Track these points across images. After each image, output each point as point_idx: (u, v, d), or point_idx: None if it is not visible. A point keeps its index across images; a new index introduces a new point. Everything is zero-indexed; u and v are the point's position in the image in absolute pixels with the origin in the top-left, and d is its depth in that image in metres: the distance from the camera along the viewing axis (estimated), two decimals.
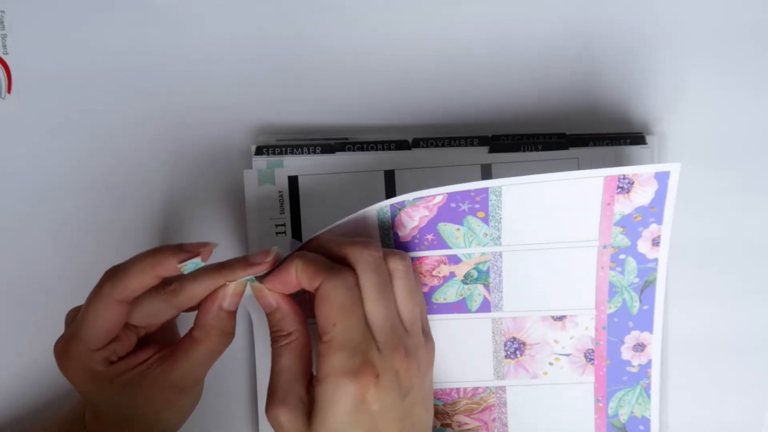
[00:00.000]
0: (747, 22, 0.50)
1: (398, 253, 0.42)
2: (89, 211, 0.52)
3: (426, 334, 0.43)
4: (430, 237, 0.45)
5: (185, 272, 0.41)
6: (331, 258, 0.41)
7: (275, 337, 0.42)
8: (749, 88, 0.50)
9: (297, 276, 0.41)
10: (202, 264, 0.41)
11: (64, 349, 0.42)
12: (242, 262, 0.41)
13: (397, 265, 0.42)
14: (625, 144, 0.49)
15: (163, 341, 0.44)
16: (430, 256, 0.46)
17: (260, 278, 0.42)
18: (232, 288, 0.42)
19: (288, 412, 0.39)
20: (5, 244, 0.52)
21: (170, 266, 0.40)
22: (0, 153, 0.52)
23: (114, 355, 0.42)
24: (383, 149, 0.50)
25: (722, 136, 0.50)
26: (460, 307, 0.47)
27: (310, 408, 0.40)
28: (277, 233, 0.50)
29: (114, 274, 0.41)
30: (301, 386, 0.40)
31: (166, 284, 0.41)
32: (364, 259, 0.41)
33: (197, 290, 0.41)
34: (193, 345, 0.42)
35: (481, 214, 0.45)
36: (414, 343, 0.41)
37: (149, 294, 0.42)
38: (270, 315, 0.42)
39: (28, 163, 0.52)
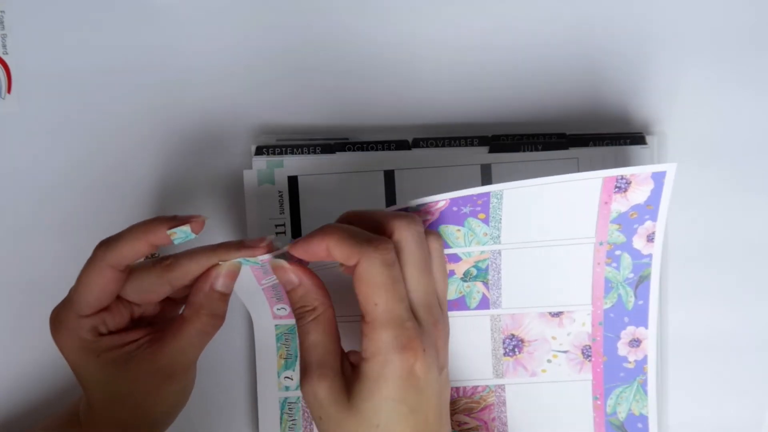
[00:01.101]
0: (747, 22, 0.50)
1: (435, 233, 0.42)
2: (89, 211, 0.52)
3: None
4: None
5: (175, 241, 0.41)
6: (370, 229, 0.40)
7: (300, 314, 0.41)
8: (749, 88, 0.50)
9: (331, 250, 0.39)
10: (193, 235, 0.41)
11: (56, 315, 0.43)
12: (237, 243, 0.42)
13: (435, 245, 0.42)
14: (625, 144, 0.49)
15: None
16: None
17: (286, 253, 0.41)
18: (225, 268, 0.42)
19: (327, 387, 0.39)
20: (5, 243, 0.52)
21: (161, 234, 0.41)
22: (0, 153, 0.52)
23: (103, 326, 0.43)
24: (383, 149, 0.50)
25: (722, 136, 0.50)
26: (459, 304, 0.47)
27: (347, 382, 0.39)
28: (276, 233, 0.50)
29: (107, 240, 0.41)
30: (336, 359, 0.40)
31: (163, 260, 0.42)
32: (410, 234, 0.40)
33: (192, 267, 0.42)
34: (182, 325, 0.42)
35: (482, 216, 0.45)
36: (446, 321, 0.42)
37: (144, 268, 0.42)
38: (292, 292, 0.42)
39: (28, 163, 0.52)
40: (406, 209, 0.44)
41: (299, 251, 0.41)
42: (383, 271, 0.38)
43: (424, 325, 0.39)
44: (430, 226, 0.45)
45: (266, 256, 0.41)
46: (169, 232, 0.41)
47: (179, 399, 0.45)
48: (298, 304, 0.42)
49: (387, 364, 0.38)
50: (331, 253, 0.39)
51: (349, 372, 0.40)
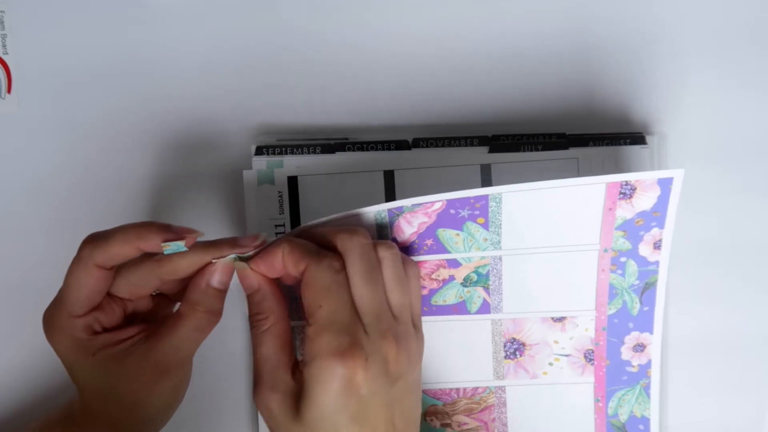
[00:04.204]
0: (747, 22, 0.50)
1: (386, 242, 0.42)
2: (89, 211, 0.52)
3: (417, 327, 0.43)
4: (429, 242, 0.45)
5: (165, 252, 0.41)
6: (318, 244, 0.42)
7: (255, 322, 0.42)
8: (749, 88, 0.50)
9: (283, 259, 0.41)
10: (185, 249, 0.41)
11: (49, 316, 0.43)
12: (229, 241, 0.42)
13: (385, 254, 0.42)
14: (625, 144, 0.49)
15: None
16: (429, 260, 0.46)
17: (248, 261, 0.42)
18: (220, 265, 0.42)
19: (278, 399, 0.40)
20: (4, 243, 0.52)
21: (153, 242, 0.40)
22: (0, 153, 0.52)
23: (97, 325, 0.42)
24: (383, 149, 0.50)
25: (722, 136, 0.50)
26: (459, 308, 0.47)
27: (297, 393, 0.40)
28: (276, 233, 0.50)
29: (95, 238, 0.41)
30: (287, 372, 0.40)
31: (153, 255, 0.42)
32: (351, 245, 0.41)
33: (183, 263, 0.42)
34: (178, 321, 0.42)
35: (480, 220, 0.44)
36: (403, 331, 0.41)
37: (134, 263, 0.42)
38: (250, 297, 0.42)
39: (27, 163, 0.52)
40: (400, 209, 0.44)
41: (258, 264, 0.42)
42: (329, 275, 0.40)
43: (371, 334, 0.39)
44: (427, 229, 0.45)
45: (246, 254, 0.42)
46: (162, 244, 0.40)
47: (174, 397, 0.45)
48: (254, 310, 0.42)
49: (326, 369, 0.38)
50: (284, 262, 0.41)
51: (300, 382, 0.40)
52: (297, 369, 0.41)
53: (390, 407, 0.40)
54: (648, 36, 0.50)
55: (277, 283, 0.43)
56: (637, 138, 0.49)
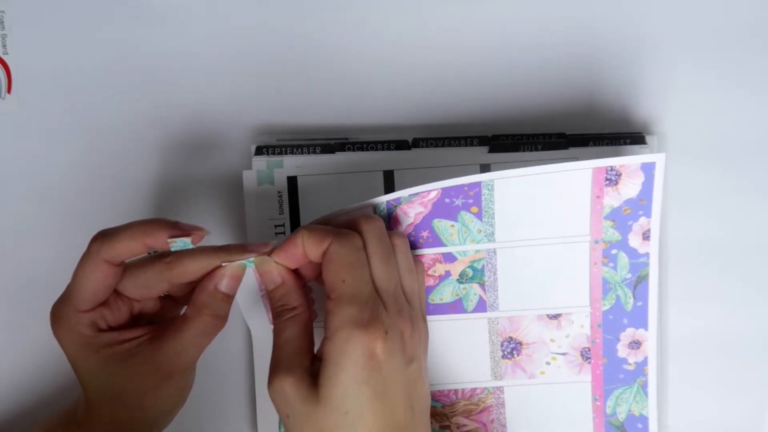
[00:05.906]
0: (747, 22, 0.50)
1: (398, 232, 0.44)
2: (89, 210, 0.52)
3: (424, 317, 0.44)
4: (425, 234, 0.45)
5: (173, 249, 0.41)
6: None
7: (279, 312, 0.42)
8: (749, 88, 0.50)
9: (303, 244, 0.41)
10: (191, 246, 0.41)
11: (56, 310, 0.43)
12: (239, 246, 0.42)
13: (398, 241, 0.43)
14: (625, 144, 0.49)
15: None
16: (425, 254, 0.46)
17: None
18: (230, 269, 0.42)
19: (295, 382, 0.39)
20: (5, 243, 0.52)
21: (160, 238, 0.41)
22: (0, 153, 0.52)
23: (102, 321, 0.43)
24: (383, 149, 0.50)
25: (722, 136, 0.50)
26: (456, 307, 0.47)
27: (315, 378, 0.39)
28: (276, 234, 0.50)
29: (104, 234, 0.41)
30: (307, 358, 0.40)
31: (163, 256, 0.42)
32: (371, 227, 0.42)
33: (192, 266, 0.42)
34: (184, 324, 0.43)
35: (474, 209, 0.45)
36: (415, 314, 0.42)
37: (144, 264, 0.42)
38: (274, 291, 0.42)
39: (28, 163, 0.52)
40: (398, 200, 0.44)
41: (279, 255, 0.42)
42: (352, 251, 0.40)
43: (389, 310, 0.40)
44: (423, 220, 0.45)
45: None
46: (169, 240, 0.41)
47: (177, 399, 0.45)
48: (279, 302, 0.42)
49: (349, 340, 0.38)
50: (304, 248, 0.41)
51: (317, 369, 0.40)
52: (316, 358, 0.40)
53: (407, 388, 0.40)
54: (648, 36, 0.50)
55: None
56: (637, 138, 0.49)
